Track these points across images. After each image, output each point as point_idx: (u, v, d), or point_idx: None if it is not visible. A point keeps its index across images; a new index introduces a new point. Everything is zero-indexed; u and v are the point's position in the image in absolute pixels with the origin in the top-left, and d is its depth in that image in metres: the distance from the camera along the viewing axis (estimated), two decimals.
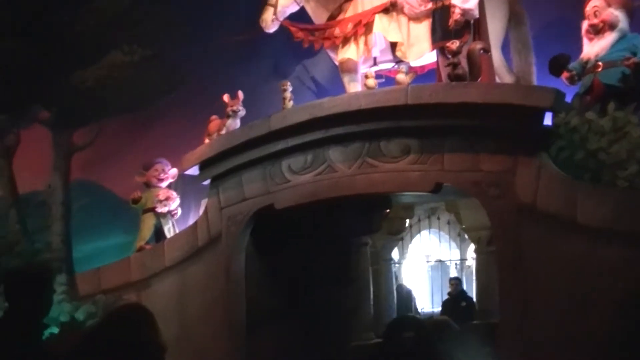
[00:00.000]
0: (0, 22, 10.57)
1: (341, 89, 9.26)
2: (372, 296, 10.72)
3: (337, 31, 9.36)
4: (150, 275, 9.70)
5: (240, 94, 9.53)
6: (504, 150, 7.39)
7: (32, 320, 4.48)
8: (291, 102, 9.00)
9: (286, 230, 9.08)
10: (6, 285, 4.75)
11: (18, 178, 11.31)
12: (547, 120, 7.47)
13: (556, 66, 8.13)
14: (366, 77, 8.62)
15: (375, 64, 9.47)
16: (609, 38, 7.90)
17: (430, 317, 11.14)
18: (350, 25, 9.38)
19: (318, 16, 9.89)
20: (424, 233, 14.26)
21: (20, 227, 10.98)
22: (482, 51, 8.02)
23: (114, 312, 3.89)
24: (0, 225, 11.66)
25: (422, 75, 9.38)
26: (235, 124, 9.41)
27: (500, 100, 7.38)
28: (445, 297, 12.81)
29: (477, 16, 8.43)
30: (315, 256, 9.37)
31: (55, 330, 9.01)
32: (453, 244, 15.14)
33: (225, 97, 9.52)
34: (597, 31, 7.98)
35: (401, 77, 8.60)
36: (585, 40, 8.11)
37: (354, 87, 9.09)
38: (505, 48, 9.21)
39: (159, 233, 10.32)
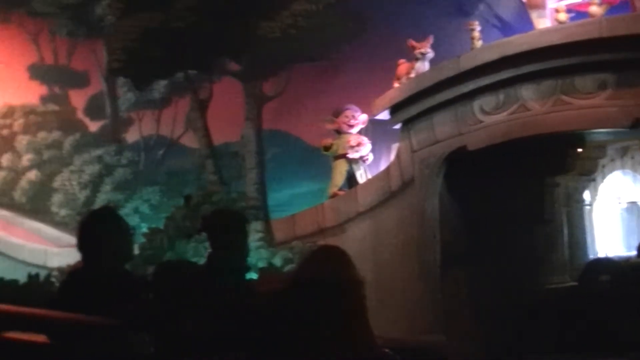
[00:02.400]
0: None
1: (527, 24, 9.44)
2: (565, 239, 10.84)
3: None
4: (344, 221, 10.44)
5: (430, 36, 9.89)
6: None
7: (234, 263, 5.15)
8: (480, 42, 9.32)
9: (478, 171, 9.36)
10: (206, 231, 5.51)
11: (211, 130, 12.32)
12: None
13: None
14: (556, 11, 8.78)
15: None
16: None
17: (626, 260, 11.15)
18: None
19: None
20: (616, 173, 14.09)
21: (217, 177, 12.02)
22: None
23: (311, 252, 4.44)
24: (198, 176, 12.84)
25: (616, 6, 9.35)
26: (424, 66, 9.83)
27: None
28: None
29: None
30: (507, 197, 9.64)
31: (254, 276, 9.88)
32: None
33: (412, 41, 9.92)
34: None
35: (594, 9, 8.66)
36: None
37: (542, 22, 9.23)
38: None
39: (351, 179, 11.01)
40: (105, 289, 4.44)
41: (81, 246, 4.73)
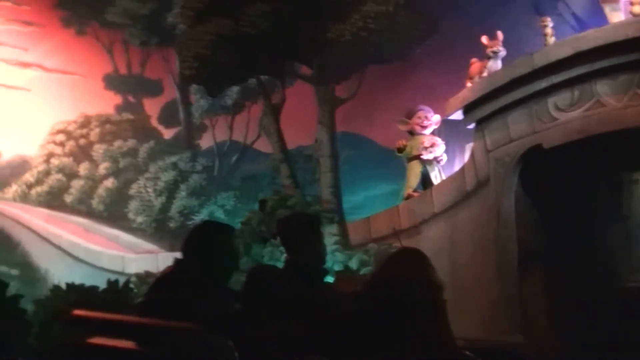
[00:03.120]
0: None
1: (601, 19, 9.41)
2: None
3: None
4: (419, 222, 10.57)
5: (500, 34, 9.95)
6: None
7: (311, 266, 5.30)
8: (553, 38, 9.33)
9: (554, 169, 9.33)
10: (281, 235, 5.66)
11: (284, 134, 12.57)
12: None
13: None
14: (631, 4, 8.71)
15: None
16: None
17: None
18: None
19: None
20: None
21: (291, 181, 12.24)
22: None
23: (392, 254, 4.56)
24: (272, 180, 13.07)
25: None
26: (496, 65, 9.88)
27: None
28: None
29: None
30: (584, 194, 9.52)
31: (330, 279, 10.01)
32: None
33: (484, 39, 10.00)
34: None
35: None
36: None
37: (616, 16, 9.17)
38: None
39: (425, 180, 11.17)
40: (192, 294, 4.72)
41: (187, 252, 4.98)
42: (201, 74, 12.62)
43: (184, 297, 4.68)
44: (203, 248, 4.96)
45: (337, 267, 10.35)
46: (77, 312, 4.60)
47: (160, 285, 5.03)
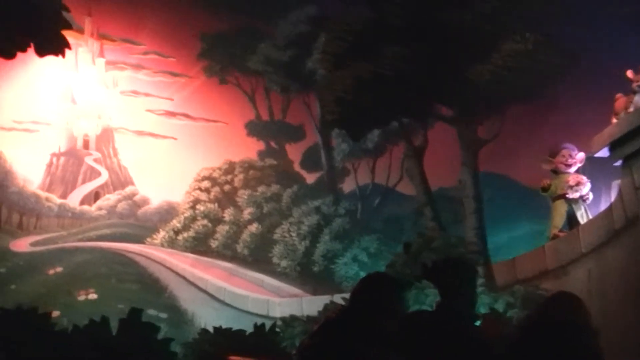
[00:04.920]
0: (393, 30, 12.10)
1: None
2: None
3: None
4: (566, 263, 10.60)
5: None
6: None
7: (464, 312, 5.47)
8: None
9: None
10: (435, 279, 5.85)
11: (427, 176, 12.78)
12: None
13: None
14: None
15: None
16: None
17: None
18: None
19: None
20: None
21: (435, 223, 12.42)
22: None
23: (549, 298, 4.67)
24: (414, 222, 13.26)
25: None
26: None
27: None
28: None
29: None
30: None
31: (477, 323, 10.05)
32: None
33: (629, 73, 9.98)
34: None
35: None
36: None
37: None
38: None
39: (571, 219, 11.19)
40: (353, 342, 4.95)
41: (354, 301, 5.27)
42: (343, 118, 12.94)
43: (344, 343, 4.94)
44: (371, 300, 5.16)
45: (483, 310, 10.34)
46: (233, 357, 4.95)
47: (323, 330, 5.27)
